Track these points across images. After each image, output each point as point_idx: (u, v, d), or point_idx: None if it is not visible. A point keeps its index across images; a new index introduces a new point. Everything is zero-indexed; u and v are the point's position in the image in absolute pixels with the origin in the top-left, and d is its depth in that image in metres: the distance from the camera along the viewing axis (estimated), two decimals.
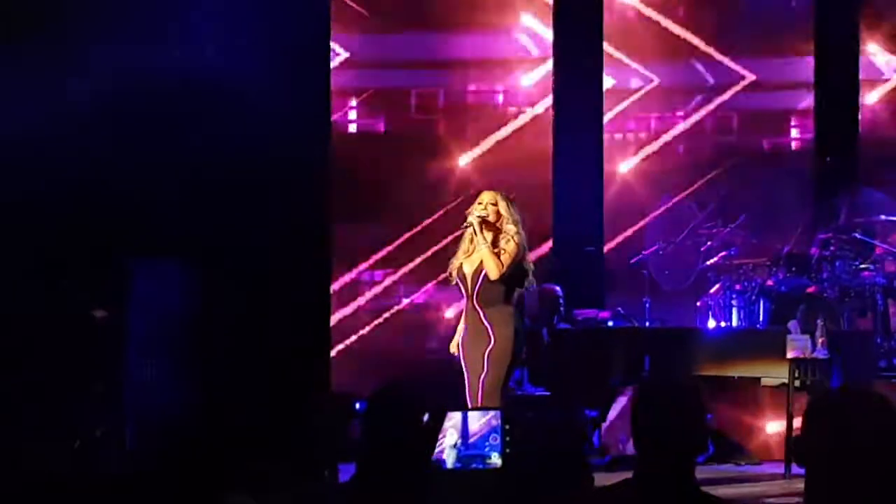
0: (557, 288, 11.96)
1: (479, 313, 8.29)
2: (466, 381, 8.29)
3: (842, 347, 10.36)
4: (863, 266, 11.50)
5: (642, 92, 13.80)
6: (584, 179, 13.40)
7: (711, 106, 13.82)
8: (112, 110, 10.24)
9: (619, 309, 12.72)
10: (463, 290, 8.41)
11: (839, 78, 13.47)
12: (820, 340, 10.09)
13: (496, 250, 8.25)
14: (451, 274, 8.50)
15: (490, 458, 4.13)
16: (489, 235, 8.30)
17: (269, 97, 10.94)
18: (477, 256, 8.32)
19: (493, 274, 8.20)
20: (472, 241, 8.36)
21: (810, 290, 11.33)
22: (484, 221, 8.30)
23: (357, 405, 11.59)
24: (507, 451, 4.09)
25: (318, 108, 12.25)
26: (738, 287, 11.52)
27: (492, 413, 4.17)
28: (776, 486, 9.52)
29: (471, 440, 4.04)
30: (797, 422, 9.54)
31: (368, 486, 3.92)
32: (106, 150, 10.13)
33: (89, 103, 10.07)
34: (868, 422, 2.90)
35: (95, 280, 10.17)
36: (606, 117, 13.64)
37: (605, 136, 13.62)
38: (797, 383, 10.08)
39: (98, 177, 10.06)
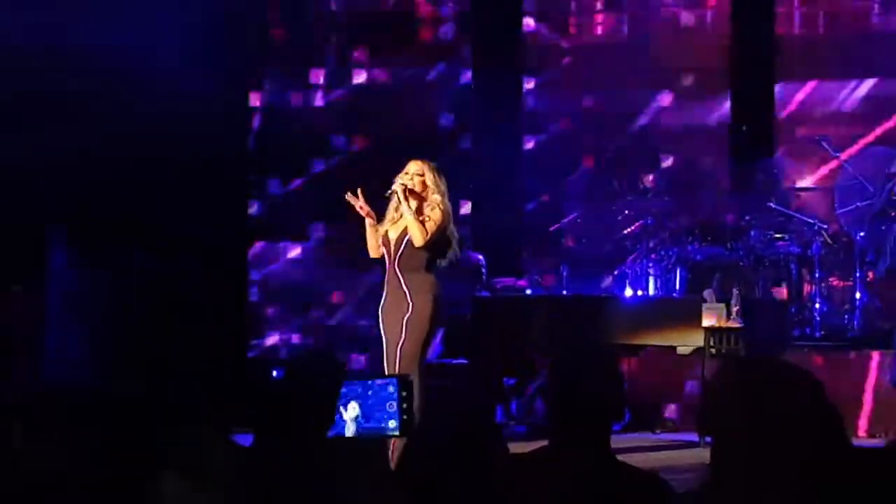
0: (480, 256, 11.99)
1: (399, 279, 8.29)
2: (384, 348, 8.30)
3: (756, 316, 10.46)
4: (777, 235, 11.60)
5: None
6: (503, 145, 13.42)
7: None
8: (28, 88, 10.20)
9: (537, 277, 12.76)
10: (386, 256, 8.41)
11: (755, 45, 13.45)
12: (735, 309, 10.19)
13: (421, 218, 8.26)
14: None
15: (388, 425, 4.13)
16: (414, 204, 8.29)
17: (188, 74, 10.94)
18: (402, 223, 8.32)
19: (418, 241, 8.21)
20: (397, 209, 8.35)
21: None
22: (410, 191, 8.29)
23: (274, 372, 11.61)
24: (405, 417, 4.08)
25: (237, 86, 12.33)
26: (654, 256, 11.58)
27: (387, 381, 4.16)
28: (691, 453, 9.59)
29: (370, 412, 4.04)
30: None
31: (271, 452, 3.92)
32: (23, 129, 10.07)
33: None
34: (775, 392, 2.91)
35: (12, 255, 10.11)
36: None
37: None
38: (712, 351, 10.17)
39: (18, 155, 9.98)
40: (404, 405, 4.16)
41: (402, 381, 4.20)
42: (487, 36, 13.55)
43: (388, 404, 4.14)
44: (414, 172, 8.37)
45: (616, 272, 11.99)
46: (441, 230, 8.29)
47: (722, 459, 2.95)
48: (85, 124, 10.43)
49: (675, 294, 11.29)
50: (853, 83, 13.12)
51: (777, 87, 13.25)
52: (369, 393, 4.13)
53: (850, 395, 10.29)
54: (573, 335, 10.50)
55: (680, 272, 11.39)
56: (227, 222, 12.19)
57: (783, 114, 13.24)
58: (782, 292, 11.57)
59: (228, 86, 12.13)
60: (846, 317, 11.50)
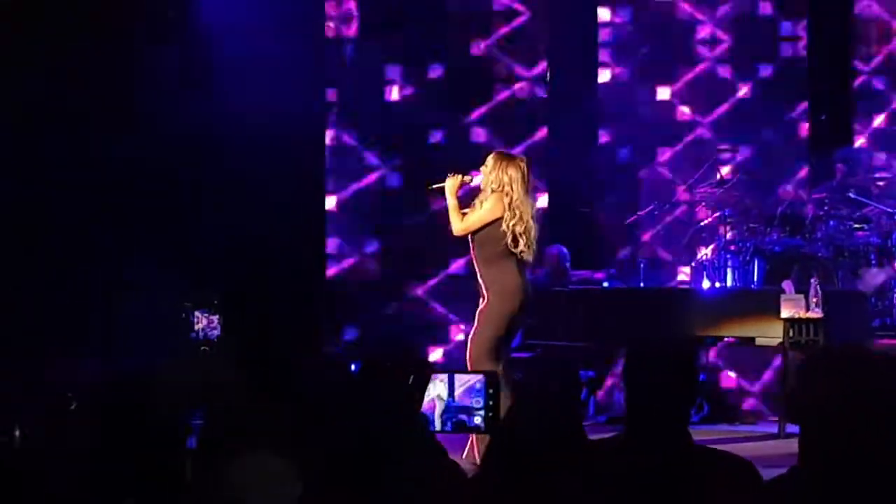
0: (564, 248, 12.00)
1: (477, 272, 8.29)
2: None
3: (836, 307, 10.38)
4: (857, 226, 11.49)
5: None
6: (578, 140, 13.42)
7: None
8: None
9: (613, 270, 12.74)
10: None
11: (832, 33, 13.34)
12: (814, 300, 10.10)
13: (467, 210, 8.27)
14: None
15: (474, 420, 4.15)
16: (482, 196, 8.29)
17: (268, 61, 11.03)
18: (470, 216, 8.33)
19: (454, 230, 8.25)
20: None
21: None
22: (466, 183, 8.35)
23: (352, 367, 11.64)
24: (490, 414, 4.10)
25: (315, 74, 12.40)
26: (732, 247, 11.52)
27: (476, 376, 4.18)
28: (770, 444, 9.55)
29: (457, 400, 4.06)
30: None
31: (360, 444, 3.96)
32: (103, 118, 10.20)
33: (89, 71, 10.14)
34: (864, 380, 2.91)
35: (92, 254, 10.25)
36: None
37: None
38: (791, 342, 10.11)
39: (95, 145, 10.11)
40: (490, 402, 4.17)
41: (490, 378, 4.21)
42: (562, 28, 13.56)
43: (474, 399, 4.16)
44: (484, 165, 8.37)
45: (693, 264, 11.93)
46: (489, 222, 8.18)
47: (811, 447, 2.96)
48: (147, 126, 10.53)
49: (753, 285, 11.22)
50: None
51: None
52: (455, 381, 4.15)
53: None
54: (651, 328, 10.46)
55: (758, 263, 11.32)
56: (307, 215, 12.26)
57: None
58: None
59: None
60: None
